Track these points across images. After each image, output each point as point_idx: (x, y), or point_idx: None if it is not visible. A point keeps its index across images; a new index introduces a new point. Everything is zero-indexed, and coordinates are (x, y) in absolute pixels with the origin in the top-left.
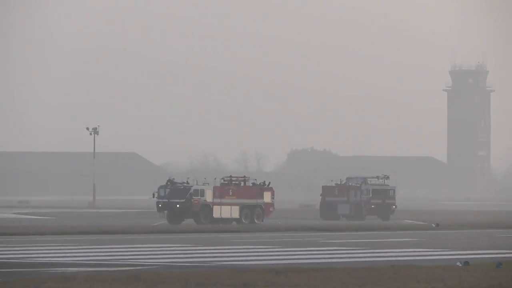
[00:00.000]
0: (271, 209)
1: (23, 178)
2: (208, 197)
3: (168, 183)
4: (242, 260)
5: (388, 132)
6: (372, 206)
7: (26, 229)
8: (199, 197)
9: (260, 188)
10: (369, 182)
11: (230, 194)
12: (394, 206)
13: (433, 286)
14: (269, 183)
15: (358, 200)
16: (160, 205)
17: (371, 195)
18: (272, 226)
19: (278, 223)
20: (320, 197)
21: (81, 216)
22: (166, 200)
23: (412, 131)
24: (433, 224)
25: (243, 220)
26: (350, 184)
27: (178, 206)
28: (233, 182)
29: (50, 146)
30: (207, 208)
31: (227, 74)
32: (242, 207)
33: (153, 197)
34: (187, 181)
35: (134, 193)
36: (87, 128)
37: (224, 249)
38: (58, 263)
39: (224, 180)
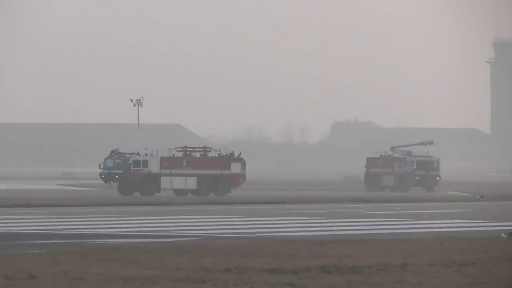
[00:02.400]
0: (240, 180)
1: (67, 150)
2: (154, 168)
3: (113, 154)
4: (286, 231)
5: (431, 103)
6: (417, 178)
7: (70, 200)
8: (141, 168)
9: (225, 159)
10: (413, 153)
11: (184, 164)
12: (438, 178)
13: (478, 257)
14: (240, 154)
15: (402, 172)
16: (103, 176)
17: (415, 166)
18: (317, 197)
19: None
20: (365, 168)
21: None
22: (107, 172)
23: (455, 103)
24: (477, 196)
25: (203, 191)
26: (394, 154)
27: (117, 177)
28: (189, 153)
29: (94, 118)
30: (152, 178)
31: (270, 46)
32: (201, 178)
33: (99, 168)
34: (138, 152)
35: None
36: (131, 100)
37: (269, 220)
38: (102, 234)
39: (177, 151)
